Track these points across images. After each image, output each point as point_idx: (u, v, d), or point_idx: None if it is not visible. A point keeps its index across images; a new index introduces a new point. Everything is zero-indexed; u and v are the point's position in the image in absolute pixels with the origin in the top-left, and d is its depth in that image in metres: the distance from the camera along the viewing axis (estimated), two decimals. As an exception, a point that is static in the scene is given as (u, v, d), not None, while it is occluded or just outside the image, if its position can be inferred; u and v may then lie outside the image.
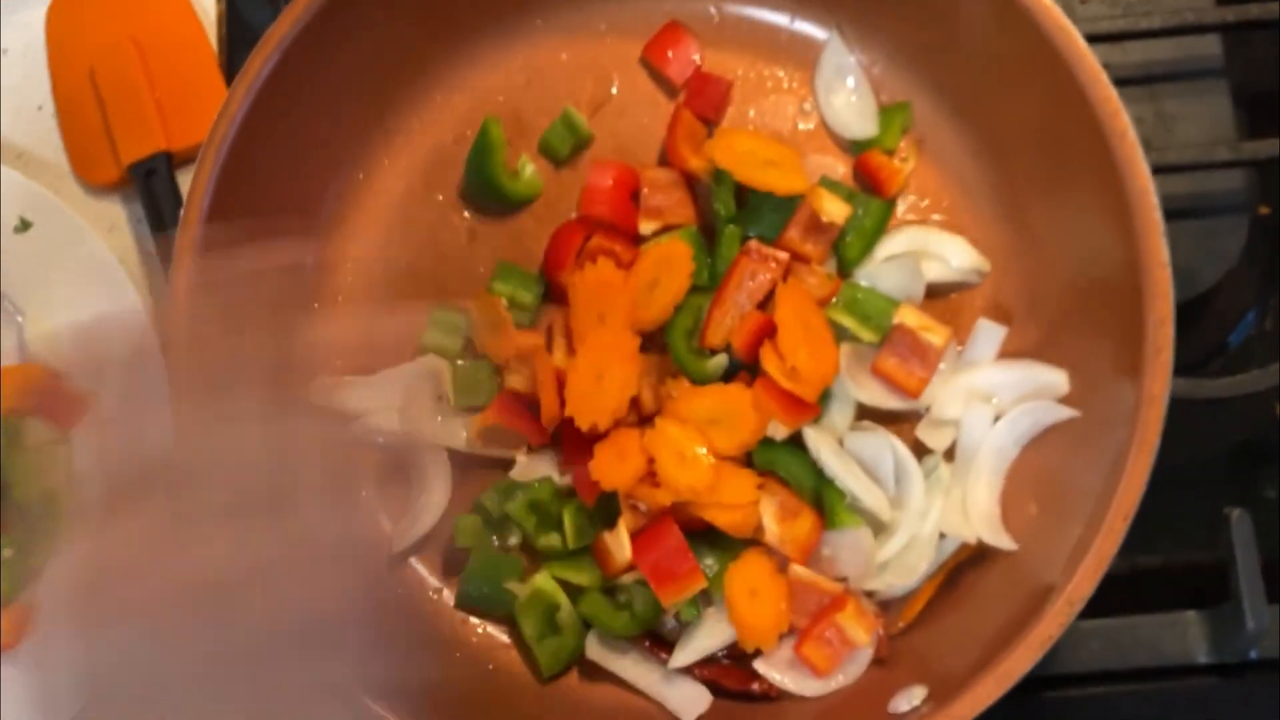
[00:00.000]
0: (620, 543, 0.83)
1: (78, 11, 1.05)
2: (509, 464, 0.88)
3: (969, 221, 0.92)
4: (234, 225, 0.85)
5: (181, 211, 0.85)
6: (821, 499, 0.83)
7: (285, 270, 0.78)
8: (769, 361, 0.83)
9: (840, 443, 0.85)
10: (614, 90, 0.95)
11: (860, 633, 0.81)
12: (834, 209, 0.86)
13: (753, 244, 0.86)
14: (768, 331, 0.83)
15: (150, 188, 0.99)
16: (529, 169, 0.94)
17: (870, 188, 0.91)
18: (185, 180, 1.00)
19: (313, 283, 0.93)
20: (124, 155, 1.00)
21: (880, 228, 0.90)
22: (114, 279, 0.97)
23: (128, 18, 1.04)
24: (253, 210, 0.87)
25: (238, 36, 1.06)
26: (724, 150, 0.88)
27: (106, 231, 1.01)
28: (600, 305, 0.86)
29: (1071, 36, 0.82)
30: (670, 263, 0.86)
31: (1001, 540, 0.83)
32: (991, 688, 0.75)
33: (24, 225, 0.98)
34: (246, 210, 0.86)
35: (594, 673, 0.87)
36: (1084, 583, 0.75)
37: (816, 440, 0.83)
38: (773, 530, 0.82)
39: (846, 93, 0.93)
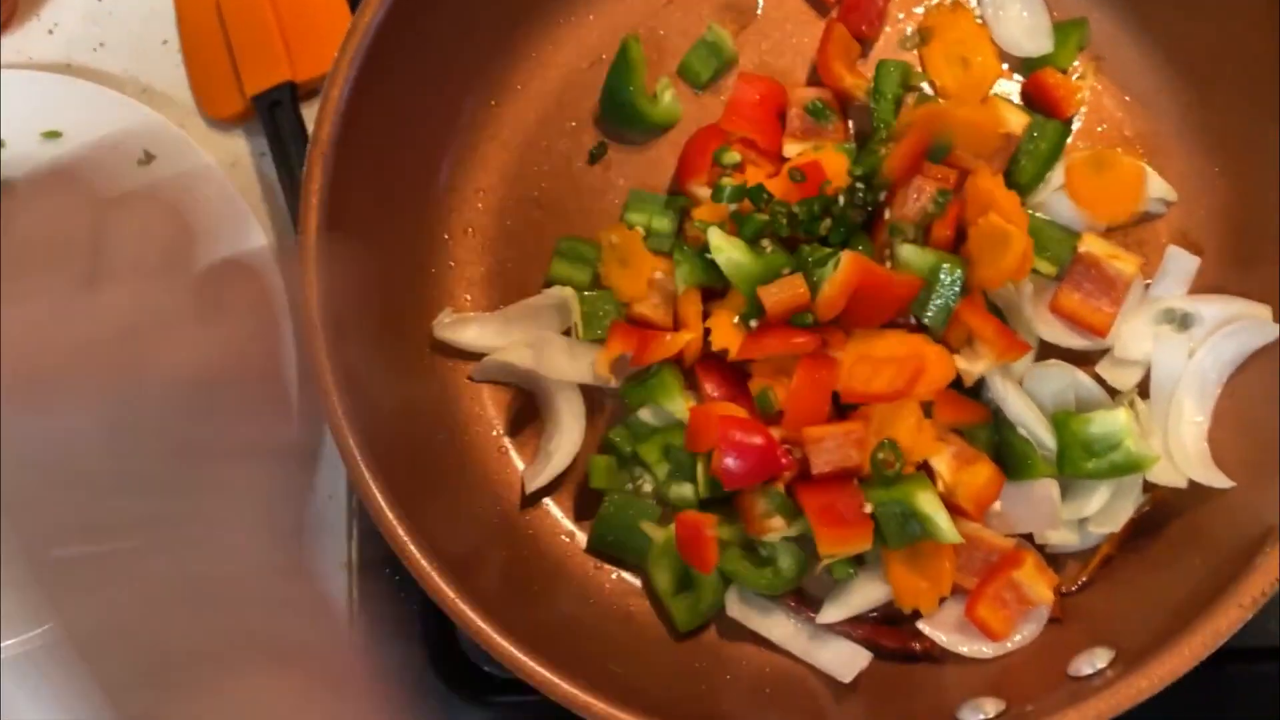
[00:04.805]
0: None
1: (204, -56, 1.02)
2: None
3: (1154, 146, 0.84)
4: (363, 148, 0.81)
5: (310, 132, 0.80)
6: (1004, 448, 0.76)
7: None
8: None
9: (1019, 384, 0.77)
10: (759, 8, 0.89)
11: (1042, 590, 0.73)
12: (1014, 119, 0.78)
13: (918, 161, 0.79)
14: (947, 245, 0.76)
15: (274, 119, 0.95)
16: (669, 93, 0.88)
17: (1043, 109, 0.83)
18: (310, 113, 0.97)
19: (443, 213, 0.88)
20: (248, 86, 0.96)
21: (1056, 152, 0.82)
22: (237, 214, 0.93)
23: (254, -51, 1.01)
24: (382, 137, 0.83)
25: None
26: (933, 23, 0.82)
27: (230, 166, 0.98)
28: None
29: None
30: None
31: (1216, 479, 0.74)
32: (1194, 648, 0.66)
33: (147, 158, 0.95)
34: (376, 136, 0.82)
35: (735, 630, 0.80)
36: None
37: (1003, 383, 0.75)
38: (946, 481, 0.75)
39: (1018, 7, 0.85)
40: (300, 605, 0.59)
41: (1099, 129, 0.85)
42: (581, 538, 0.84)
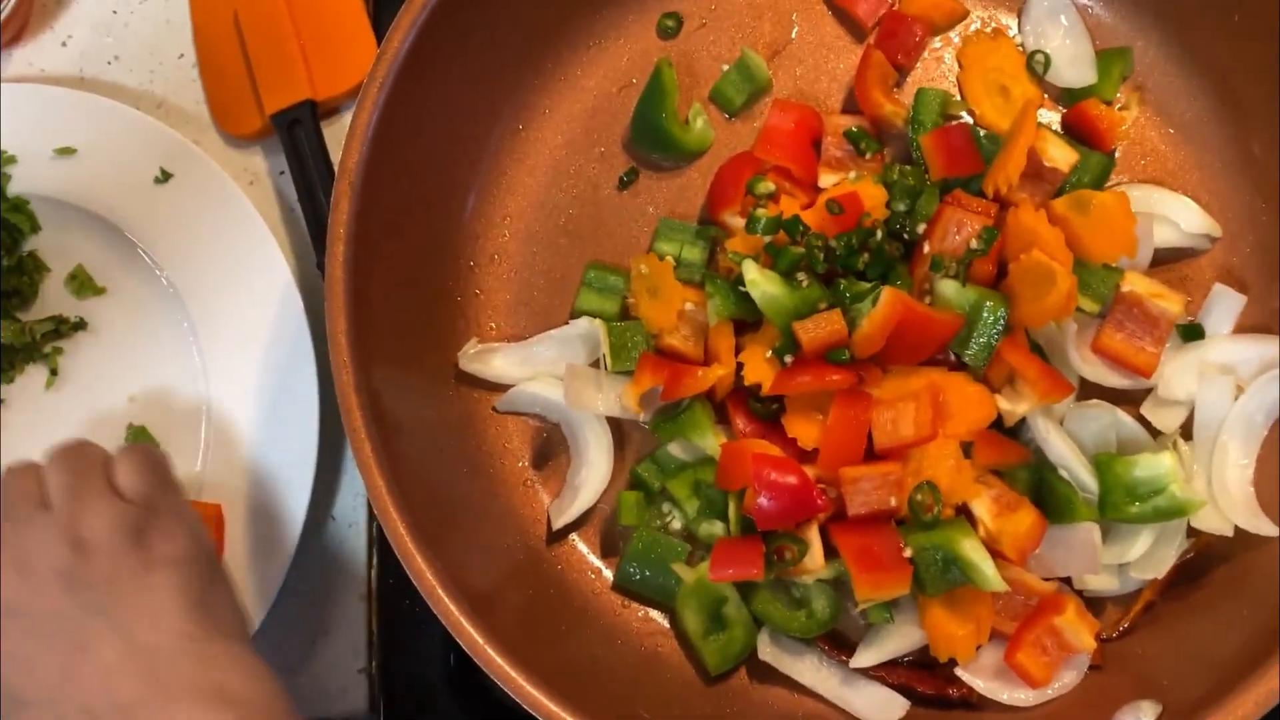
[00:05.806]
0: (811, 547, 0.74)
1: (222, -43, 1.00)
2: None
3: (1197, 180, 0.82)
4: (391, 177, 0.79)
5: (339, 159, 0.78)
6: (1045, 490, 0.74)
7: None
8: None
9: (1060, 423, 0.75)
10: (794, 33, 0.87)
11: (1084, 636, 0.71)
12: (1059, 154, 0.76)
13: (958, 193, 0.77)
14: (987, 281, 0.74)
15: (294, 138, 0.93)
16: (701, 119, 0.86)
17: (1086, 140, 0.82)
18: (330, 132, 0.95)
19: (469, 240, 0.86)
20: (267, 104, 0.94)
21: (1100, 185, 0.80)
22: (255, 232, 0.91)
23: (273, -38, 0.98)
24: (409, 164, 0.81)
25: (385, -17, 1.00)
26: (973, 51, 0.81)
27: (247, 184, 0.96)
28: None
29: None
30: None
31: (1262, 526, 0.73)
32: (1248, 709, 0.65)
33: (164, 176, 0.93)
34: (403, 163, 0.80)
35: (766, 673, 0.78)
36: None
37: (1044, 424, 0.74)
38: (988, 527, 0.73)
39: (1060, 35, 0.83)
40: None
41: (1141, 161, 0.83)
42: (608, 575, 0.82)
